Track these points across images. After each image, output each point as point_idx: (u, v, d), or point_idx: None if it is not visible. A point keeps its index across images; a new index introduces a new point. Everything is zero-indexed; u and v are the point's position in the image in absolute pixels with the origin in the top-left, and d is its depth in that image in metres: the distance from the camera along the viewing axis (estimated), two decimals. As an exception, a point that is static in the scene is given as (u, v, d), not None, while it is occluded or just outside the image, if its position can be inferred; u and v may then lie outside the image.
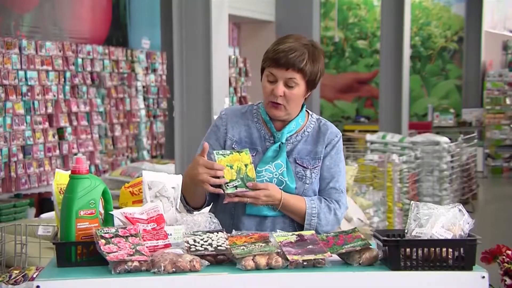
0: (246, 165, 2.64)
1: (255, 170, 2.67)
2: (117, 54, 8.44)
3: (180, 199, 2.66)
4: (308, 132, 2.80)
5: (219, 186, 2.61)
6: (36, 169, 7.09)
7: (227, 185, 2.60)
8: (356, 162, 7.43)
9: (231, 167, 2.62)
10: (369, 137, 9.09)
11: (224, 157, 2.64)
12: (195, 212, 2.71)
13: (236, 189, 2.61)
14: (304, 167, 2.75)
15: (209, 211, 2.75)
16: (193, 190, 2.67)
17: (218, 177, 2.57)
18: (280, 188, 2.69)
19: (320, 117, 2.87)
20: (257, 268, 2.25)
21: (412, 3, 14.96)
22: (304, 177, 2.74)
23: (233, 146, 2.76)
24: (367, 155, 8.11)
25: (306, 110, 2.84)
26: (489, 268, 2.39)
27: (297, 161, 2.75)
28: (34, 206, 6.84)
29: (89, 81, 7.87)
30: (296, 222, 2.75)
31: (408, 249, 2.29)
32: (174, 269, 2.20)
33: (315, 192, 2.77)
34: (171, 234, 2.38)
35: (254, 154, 2.71)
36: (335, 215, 2.75)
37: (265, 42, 2.88)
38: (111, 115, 8.42)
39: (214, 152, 2.65)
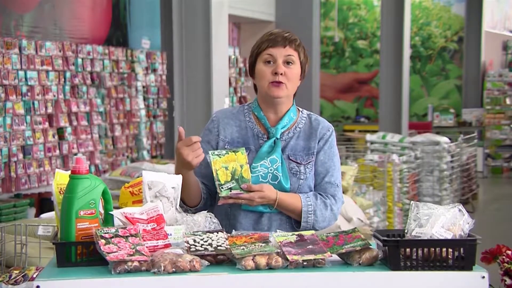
0: (241, 166, 2.64)
1: (250, 167, 2.68)
2: (117, 54, 8.44)
3: None
4: (300, 128, 2.83)
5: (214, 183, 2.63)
6: (36, 169, 7.08)
7: (222, 187, 2.61)
8: (356, 162, 7.43)
9: (226, 168, 2.63)
10: (369, 137, 9.09)
11: (220, 157, 2.64)
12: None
13: (231, 191, 2.62)
14: (297, 163, 2.77)
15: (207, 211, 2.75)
16: (187, 184, 2.66)
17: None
18: (274, 183, 2.71)
19: (311, 113, 2.89)
20: (257, 268, 2.25)
21: (412, 3, 14.97)
22: (298, 173, 2.76)
23: (226, 147, 2.77)
24: (367, 155, 8.11)
25: (296, 107, 2.86)
26: (489, 268, 2.39)
27: (291, 157, 2.77)
28: (34, 206, 6.84)
29: (89, 81, 7.87)
30: (292, 219, 2.76)
31: (408, 249, 2.29)
32: (174, 269, 2.20)
33: (310, 187, 2.78)
34: (171, 234, 2.38)
35: (247, 153, 2.72)
36: (331, 211, 2.77)
37: (265, 42, 2.92)
38: (111, 115, 8.42)
39: (210, 152, 2.66)
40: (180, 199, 2.72)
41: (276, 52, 2.74)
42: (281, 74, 2.73)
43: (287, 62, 2.75)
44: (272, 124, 2.81)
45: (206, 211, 2.63)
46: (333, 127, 2.88)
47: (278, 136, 2.78)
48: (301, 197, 2.73)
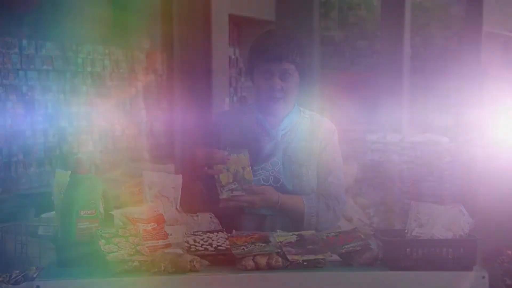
0: (243, 168, 2.63)
1: (251, 170, 2.67)
2: (117, 54, 8.43)
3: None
4: (301, 128, 2.79)
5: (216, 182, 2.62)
6: (36, 169, 7.08)
7: (223, 189, 2.60)
8: (356, 162, 7.43)
9: (228, 170, 2.62)
10: (369, 137, 9.08)
11: None
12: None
13: (232, 192, 2.61)
14: (299, 164, 2.74)
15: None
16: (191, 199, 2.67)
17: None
18: (276, 186, 2.69)
19: (313, 112, 2.85)
20: (257, 268, 2.25)
21: (412, 3, 14.96)
22: (300, 175, 2.74)
23: (226, 149, 2.74)
24: (367, 155, 8.11)
25: (298, 107, 2.84)
26: (489, 268, 2.39)
27: (292, 159, 2.75)
28: (34, 206, 6.83)
29: (89, 81, 7.87)
30: (295, 220, 2.74)
31: (408, 249, 2.29)
32: (174, 269, 2.20)
33: (312, 189, 2.76)
34: (171, 234, 2.38)
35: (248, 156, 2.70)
36: (334, 212, 2.75)
37: (265, 42, 2.85)
38: (111, 115, 8.41)
39: None
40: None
41: (272, 67, 2.68)
42: (278, 89, 2.69)
43: (284, 75, 2.70)
44: (273, 126, 2.78)
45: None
46: (335, 127, 2.85)
47: (279, 138, 2.76)
48: (303, 199, 2.72)
